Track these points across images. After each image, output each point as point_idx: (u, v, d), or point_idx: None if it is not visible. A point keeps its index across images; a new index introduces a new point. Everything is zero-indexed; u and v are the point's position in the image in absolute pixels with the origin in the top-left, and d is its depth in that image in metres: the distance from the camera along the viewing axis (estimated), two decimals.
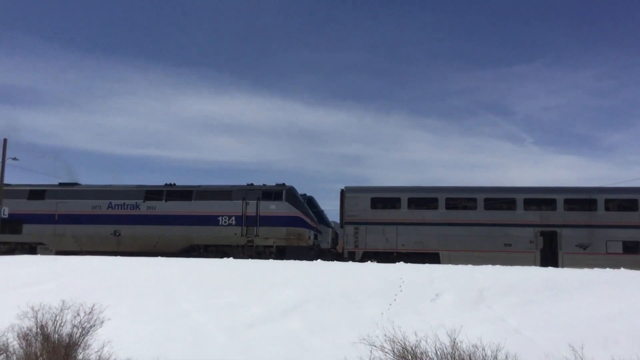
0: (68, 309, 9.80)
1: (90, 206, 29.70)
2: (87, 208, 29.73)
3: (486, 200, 29.35)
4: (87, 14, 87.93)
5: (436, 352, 7.68)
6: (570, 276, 17.58)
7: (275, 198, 28.64)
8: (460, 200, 29.88)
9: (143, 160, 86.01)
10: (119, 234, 29.18)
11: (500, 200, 29.32)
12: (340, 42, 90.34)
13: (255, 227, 28.29)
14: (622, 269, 19.58)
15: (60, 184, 31.34)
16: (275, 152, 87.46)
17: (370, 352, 7.25)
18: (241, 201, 28.62)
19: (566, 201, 29.16)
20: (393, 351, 7.32)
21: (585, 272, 18.46)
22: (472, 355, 7.84)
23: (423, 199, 29.60)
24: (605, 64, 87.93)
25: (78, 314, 9.73)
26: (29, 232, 29.85)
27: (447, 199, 29.42)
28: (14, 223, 29.91)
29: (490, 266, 20.26)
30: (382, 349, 7.35)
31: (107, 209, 29.59)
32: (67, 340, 9.13)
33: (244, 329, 12.97)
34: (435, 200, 29.38)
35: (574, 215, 28.85)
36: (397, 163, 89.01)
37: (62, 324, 9.50)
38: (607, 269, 19.71)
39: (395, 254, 28.25)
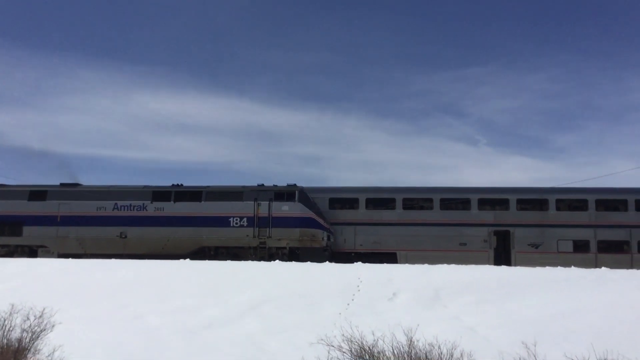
0: (17, 312, 9.49)
1: (95, 207, 28.63)
2: (91, 209, 28.63)
3: (442, 200, 29.81)
4: (35, 10, 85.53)
5: (393, 351, 7.73)
6: (523, 275, 17.99)
7: (287, 199, 28.05)
8: (417, 200, 30.28)
9: (96, 160, 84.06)
10: (125, 236, 28.17)
11: (455, 200, 29.82)
12: (300, 43, 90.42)
13: (268, 229, 27.60)
14: (572, 267, 20.15)
15: (62, 185, 30.14)
16: (234, 152, 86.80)
17: (328, 352, 7.24)
18: (253, 202, 27.94)
19: (519, 201, 29.88)
20: (351, 351, 7.33)
21: (537, 270, 18.91)
22: (428, 353, 7.92)
23: (381, 200, 29.86)
24: (556, 68, 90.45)
25: (28, 318, 9.42)
26: (30, 234, 28.65)
27: (404, 199, 29.76)
28: (14, 225, 28.69)
29: (445, 265, 20.56)
30: (340, 348, 7.35)
31: (113, 210, 28.54)
32: (17, 345, 8.83)
33: (200, 331, 12.79)
34: (392, 200, 29.68)
35: (526, 215, 29.59)
36: (355, 164, 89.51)
37: (11, 329, 9.18)
38: (559, 267, 20.25)
39: (353, 254, 28.41)
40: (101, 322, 13.33)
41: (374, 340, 7.56)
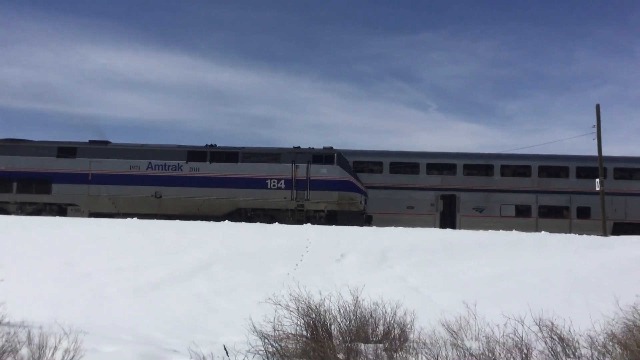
0: None
1: (128, 166, 27.76)
2: (124, 168, 27.73)
3: (391, 164, 30.23)
4: None
5: (339, 310, 7.92)
6: (467, 238, 18.58)
7: (326, 162, 27.74)
8: (367, 164, 30.62)
9: (40, 115, 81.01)
10: (160, 196, 27.46)
11: (404, 164, 30.29)
12: (251, 1, 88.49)
13: (306, 191, 27.31)
14: (514, 231, 20.89)
15: (91, 142, 28.93)
16: (184, 111, 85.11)
17: (275, 311, 7.37)
18: (290, 164, 27.57)
19: (465, 166, 30.61)
20: (298, 310, 7.47)
21: (480, 233, 19.54)
22: (373, 312, 8.15)
23: None
24: (507, 35, 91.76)
25: None
26: (59, 192, 27.52)
27: (355, 162, 30.02)
28: (42, 182, 27.47)
29: (393, 228, 21.01)
30: (287, 307, 7.48)
31: (147, 169, 27.74)
32: None
33: (149, 291, 12.76)
34: None
35: (472, 180, 30.38)
36: (307, 126, 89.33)
37: None
38: (501, 231, 20.96)
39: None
40: (46, 279, 13.11)
41: (321, 300, 7.72)
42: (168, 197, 27.36)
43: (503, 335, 5.89)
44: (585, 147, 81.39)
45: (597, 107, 26.46)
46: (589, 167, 29.27)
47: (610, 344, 6.46)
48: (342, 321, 7.89)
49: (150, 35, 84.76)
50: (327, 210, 27.24)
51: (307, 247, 16.73)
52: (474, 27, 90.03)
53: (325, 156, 27.79)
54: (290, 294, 7.73)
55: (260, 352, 6.17)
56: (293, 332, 7.19)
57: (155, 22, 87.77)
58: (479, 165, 30.81)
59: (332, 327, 7.60)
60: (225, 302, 12.09)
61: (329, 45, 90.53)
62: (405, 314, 8.32)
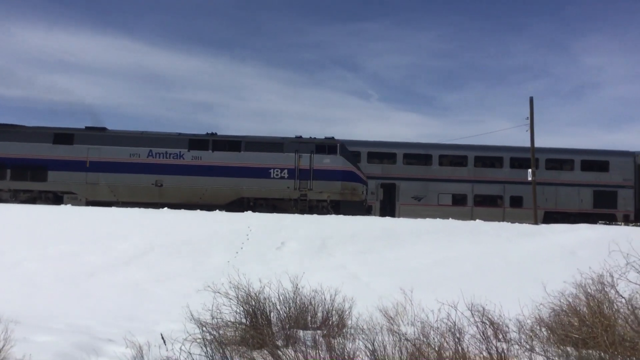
0: None
1: (128, 154, 27.01)
2: (124, 155, 26.97)
3: None
4: None
5: (279, 297, 7.95)
6: (406, 226, 18.96)
7: (329, 152, 27.70)
8: None
9: None
10: (161, 185, 26.91)
11: None
12: None
13: (309, 181, 27.23)
14: (450, 219, 21.46)
15: (88, 128, 27.89)
16: (122, 94, 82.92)
17: (214, 299, 7.33)
18: (294, 154, 27.40)
19: (405, 156, 31.17)
20: (237, 297, 7.45)
21: (419, 222, 19.98)
22: (312, 299, 8.23)
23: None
24: (447, 27, 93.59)
25: None
26: (56, 179, 26.48)
27: None
28: (37, 169, 26.35)
29: (334, 216, 21.21)
30: (227, 295, 7.45)
31: (147, 157, 27.07)
32: None
33: (84, 279, 12.44)
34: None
35: (411, 169, 30.99)
36: (250, 113, 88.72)
37: None
38: (438, 219, 21.48)
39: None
40: None
41: (261, 287, 7.73)
42: (169, 185, 27.01)
43: (437, 320, 6.07)
44: (519, 138, 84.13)
45: (531, 99, 27.40)
46: (522, 158, 30.31)
47: (538, 327, 6.77)
48: (281, 308, 7.92)
49: (85, 15, 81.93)
50: (330, 200, 27.35)
51: (248, 235, 16.68)
52: (415, 18, 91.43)
53: (328, 146, 27.86)
54: (230, 282, 7.70)
55: (198, 340, 6.13)
56: (232, 320, 7.17)
57: (91, 2, 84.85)
58: (418, 155, 31.46)
59: (272, 314, 7.63)
60: (162, 291, 11.92)
61: (272, 31, 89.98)
62: (344, 300, 8.43)
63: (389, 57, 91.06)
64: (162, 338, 6.45)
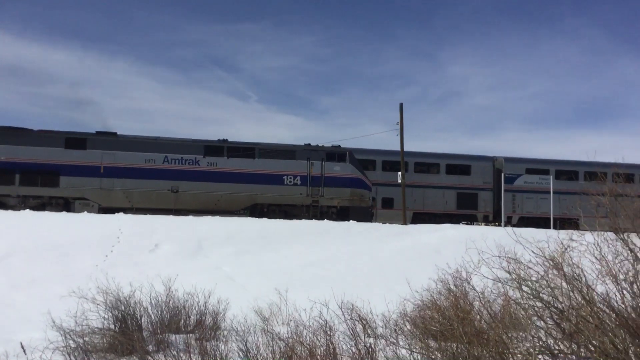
0: None
1: (144, 159, 26.30)
2: (139, 161, 26.25)
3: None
4: None
5: (150, 301, 7.76)
6: (282, 227, 19.15)
7: (339, 159, 28.53)
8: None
9: None
10: (177, 191, 26.39)
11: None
12: None
13: (320, 188, 27.85)
14: (325, 220, 21.94)
15: (98, 133, 26.74)
16: None
17: (78, 304, 6.99)
18: (306, 161, 28.01)
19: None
20: (106, 303, 7.18)
21: (295, 223, 20.26)
22: (185, 302, 8.11)
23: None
24: (324, 32, 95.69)
25: None
26: (68, 185, 25.25)
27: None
28: (48, 174, 25.05)
29: (210, 217, 20.96)
30: (94, 301, 7.15)
31: (163, 163, 26.52)
32: None
33: None
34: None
35: None
36: (123, 111, 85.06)
37: None
38: (313, 220, 21.89)
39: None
40: None
41: (131, 292, 7.50)
42: (185, 191, 26.64)
43: (310, 319, 6.22)
44: (391, 142, 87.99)
45: (400, 105, 28.66)
46: (392, 161, 31.63)
47: (403, 322, 7.15)
48: (153, 313, 7.73)
49: None
50: (340, 206, 28.08)
51: (118, 238, 16.05)
52: (294, 22, 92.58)
53: (337, 154, 28.72)
54: (99, 287, 7.40)
55: (61, 348, 5.82)
56: (100, 327, 6.89)
57: None
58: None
59: (143, 319, 7.43)
60: (23, 297, 11.16)
61: (145, 26, 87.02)
62: (218, 302, 8.39)
63: (267, 59, 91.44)
64: (22, 347, 6.07)
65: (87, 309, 7.00)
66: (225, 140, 28.24)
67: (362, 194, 28.82)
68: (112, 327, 6.91)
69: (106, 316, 7.08)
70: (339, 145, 29.74)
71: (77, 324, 6.61)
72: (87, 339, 6.36)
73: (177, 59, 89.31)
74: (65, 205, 25.42)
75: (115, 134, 27.29)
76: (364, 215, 27.93)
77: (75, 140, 26.10)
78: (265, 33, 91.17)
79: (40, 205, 24.87)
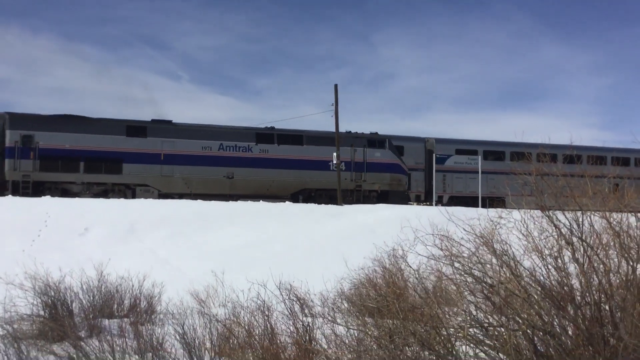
0: None
1: (200, 147, 27.15)
2: (197, 149, 27.07)
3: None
4: None
5: (82, 286, 7.55)
6: (218, 208, 18.99)
7: (379, 146, 30.07)
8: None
9: None
10: (232, 177, 27.25)
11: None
12: None
13: (363, 173, 29.42)
14: (261, 201, 21.90)
15: (154, 121, 27.36)
16: None
17: (6, 291, 6.73)
18: (350, 147, 29.22)
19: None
20: (34, 289, 6.93)
21: (231, 204, 20.14)
22: (118, 286, 7.94)
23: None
24: (257, 12, 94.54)
25: None
26: (131, 172, 25.86)
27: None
28: (112, 161, 25.64)
29: (142, 200, 20.54)
30: (22, 287, 6.89)
31: (219, 150, 27.45)
32: None
33: None
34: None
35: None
36: (46, 90, 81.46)
37: None
38: (249, 201, 21.79)
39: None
40: None
41: (61, 277, 7.27)
42: (240, 178, 27.48)
43: (247, 300, 6.22)
44: (326, 123, 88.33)
45: (335, 86, 28.74)
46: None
47: (340, 300, 7.26)
48: (84, 298, 7.54)
49: None
50: (380, 190, 29.57)
51: (46, 222, 15.48)
52: (224, 0, 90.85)
53: (378, 141, 30.22)
54: (26, 272, 7.13)
55: None
56: (28, 313, 6.66)
57: None
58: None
59: (74, 304, 7.22)
60: None
61: (70, 2, 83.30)
62: (153, 286, 8.26)
63: (198, 37, 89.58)
64: None
65: (15, 295, 6.75)
66: (273, 128, 29.23)
67: (400, 179, 30.44)
68: (42, 313, 6.70)
69: (35, 302, 6.85)
70: (377, 132, 31.09)
71: (5, 311, 6.36)
72: (16, 326, 6.13)
73: (105, 36, 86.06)
74: (127, 191, 25.81)
75: (170, 122, 27.77)
76: (402, 198, 29.60)
77: (136, 129, 26.63)
78: (194, 11, 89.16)
79: (103, 192, 25.30)
